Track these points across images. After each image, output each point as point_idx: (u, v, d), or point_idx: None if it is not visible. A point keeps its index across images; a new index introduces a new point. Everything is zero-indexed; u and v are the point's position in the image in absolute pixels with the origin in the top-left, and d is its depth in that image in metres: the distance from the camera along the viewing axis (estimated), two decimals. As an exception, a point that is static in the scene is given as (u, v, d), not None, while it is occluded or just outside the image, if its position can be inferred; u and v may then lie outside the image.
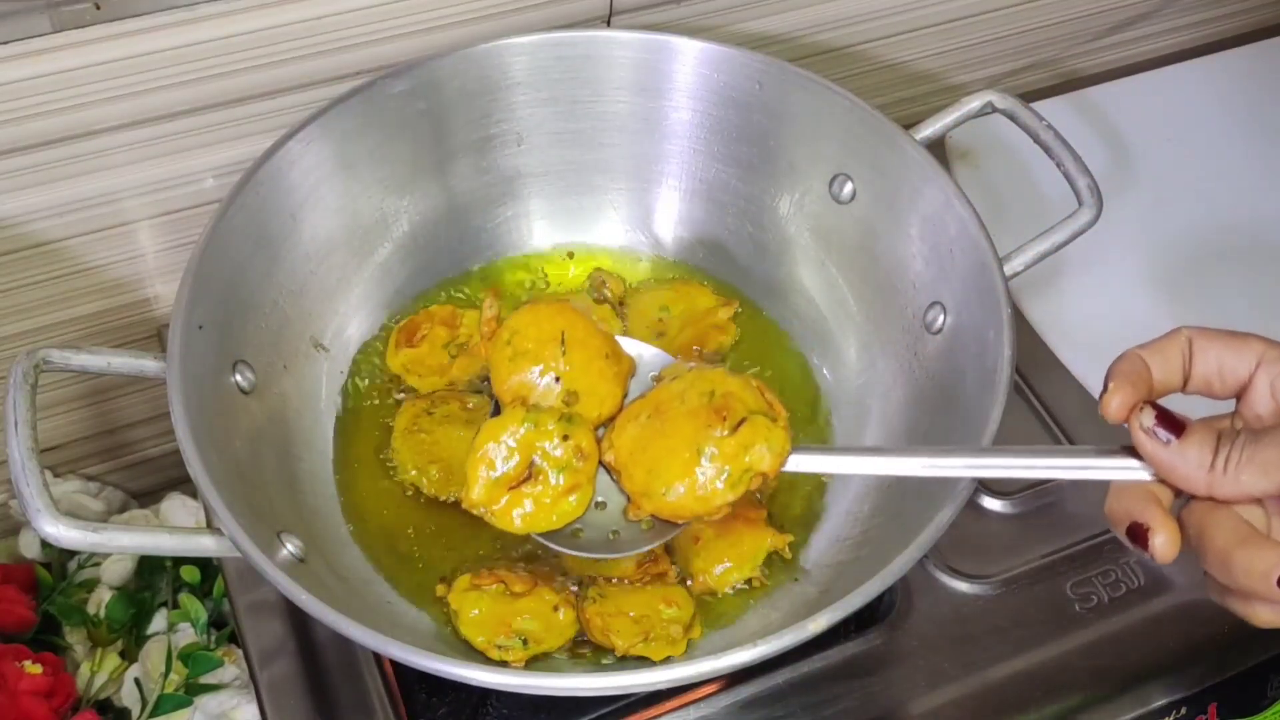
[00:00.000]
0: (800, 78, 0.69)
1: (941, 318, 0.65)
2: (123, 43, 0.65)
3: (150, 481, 0.91)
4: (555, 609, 0.60)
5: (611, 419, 0.59)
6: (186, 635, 0.78)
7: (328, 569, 0.59)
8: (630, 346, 0.61)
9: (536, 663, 0.59)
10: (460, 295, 0.74)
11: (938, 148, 0.81)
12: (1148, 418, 0.46)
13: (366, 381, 0.70)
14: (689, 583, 0.63)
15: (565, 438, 0.57)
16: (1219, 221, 0.87)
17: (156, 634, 0.79)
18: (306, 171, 0.66)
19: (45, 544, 0.83)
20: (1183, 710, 0.67)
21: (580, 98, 0.73)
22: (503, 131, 0.73)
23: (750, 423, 0.54)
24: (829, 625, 0.50)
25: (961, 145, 0.90)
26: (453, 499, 0.65)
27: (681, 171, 0.75)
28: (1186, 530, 0.45)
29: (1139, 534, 0.45)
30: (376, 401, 0.70)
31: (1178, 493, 0.46)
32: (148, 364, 0.57)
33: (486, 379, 0.70)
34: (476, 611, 0.59)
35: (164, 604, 0.80)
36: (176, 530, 0.55)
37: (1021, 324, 0.79)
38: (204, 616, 0.79)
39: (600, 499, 0.58)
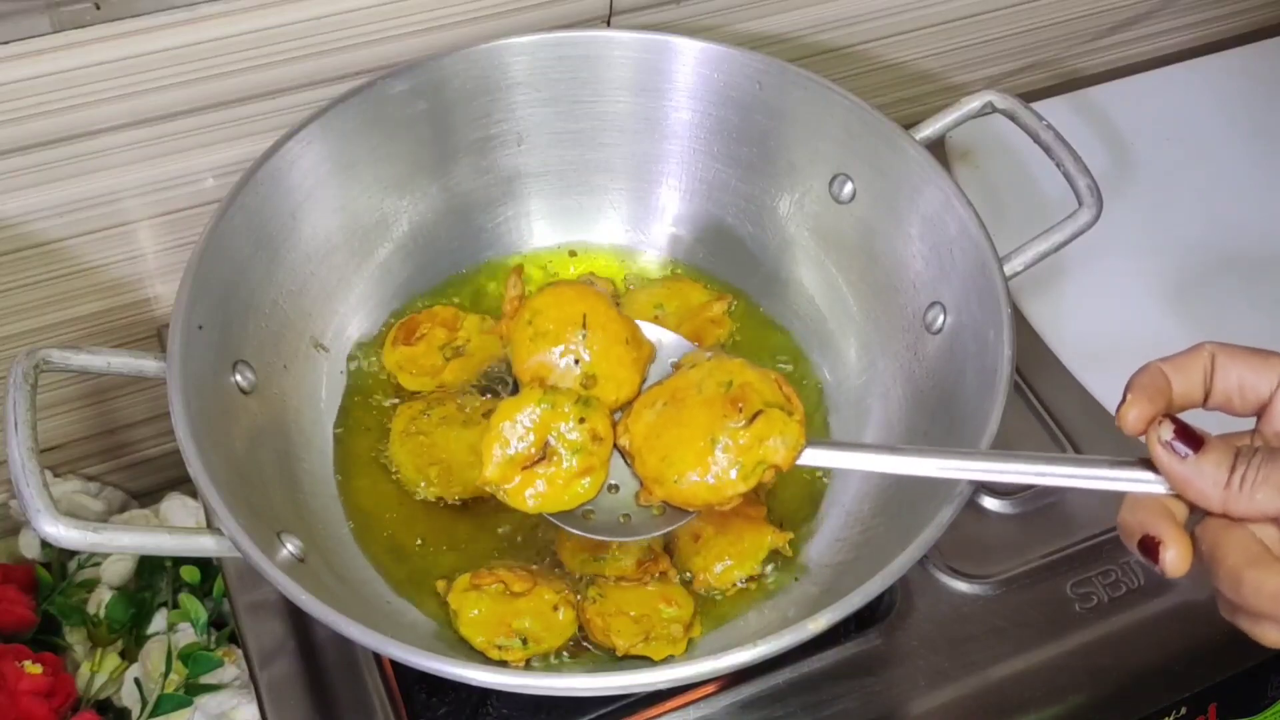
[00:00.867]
0: (800, 78, 0.69)
1: (941, 318, 0.65)
2: (123, 43, 0.65)
3: (150, 481, 0.91)
4: (555, 609, 0.60)
5: (629, 404, 0.59)
6: (186, 635, 0.78)
7: (328, 569, 0.59)
8: (651, 332, 0.62)
9: (536, 662, 0.59)
10: (455, 300, 0.74)
11: (938, 148, 0.81)
12: (1166, 431, 0.46)
13: (367, 381, 0.70)
14: (689, 581, 0.63)
15: (581, 420, 0.57)
16: (1219, 221, 0.88)
17: (156, 634, 0.79)
18: (306, 171, 0.66)
19: (45, 544, 0.83)
20: (1183, 710, 0.67)
21: (580, 98, 0.73)
22: (503, 131, 0.73)
23: (766, 415, 0.54)
24: (829, 625, 0.50)
25: (961, 145, 0.90)
26: (453, 500, 0.65)
27: (681, 171, 0.75)
28: (1199, 546, 0.45)
29: (1151, 547, 0.45)
30: (377, 402, 0.70)
31: (1192, 508, 0.46)
32: (148, 364, 0.57)
33: (477, 385, 0.70)
34: (476, 611, 0.59)
35: (164, 604, 0.80)
36: (176, 530, 0.55)
37: (1021, 324, 0.79)
38: (204, 616, 0.79)
39: (613, 482, 0.59)
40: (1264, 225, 0.87)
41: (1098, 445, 0.73)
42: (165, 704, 0.75)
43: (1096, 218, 0.67)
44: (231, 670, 0.77)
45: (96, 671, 0.78)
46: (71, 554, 0.83)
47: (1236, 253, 0.85)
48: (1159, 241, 0.86)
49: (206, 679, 0.76)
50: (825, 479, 0.67)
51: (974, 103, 0.70)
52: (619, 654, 0.59)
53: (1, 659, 0.73)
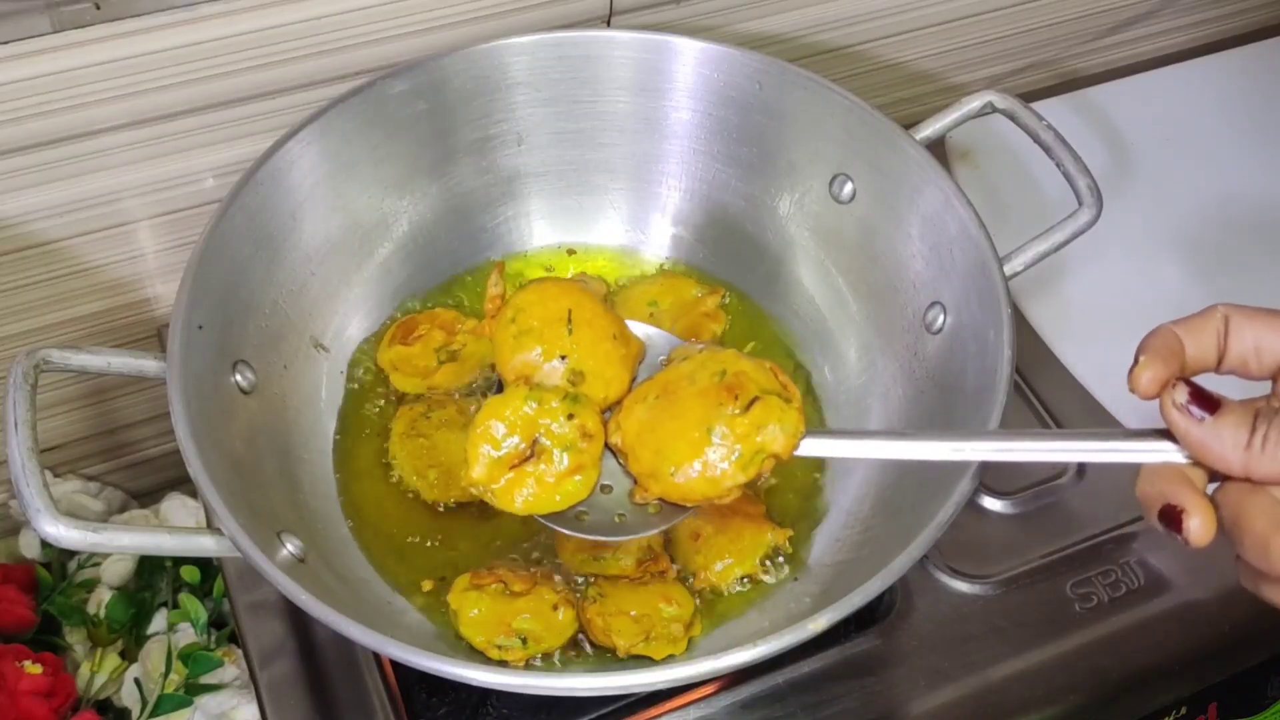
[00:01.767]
0: (800, 78, 0.69)
1: (941, 318, 0.65)
2: (123, 43, 0.65)
3: (150, 481, 0.91)
4: (555, 608, 0.60)
5: (618, 402, 0.58)
6: (186, 635, 0.78)
7: (328, 569, 0.59)
8: (638, 329, 0.61)
9: (537, 662, 0.59)
10: (452, 301, 0.74)
11: (938, 148, 0.81)
12: (1180, 394, 0.44)
13: (367, 381, 0.70)
14: (689, 580, 0.63)
15: (570, 417, 0.56)
16: (1219, 221, 0.87)
17: (156, 634, 0.79)
18: (306, 171, 0.66)
19: (45, 544, 0.83)
20: (1183, 710, 0.67)
21: (580, 98, 0.73)
22: (503, 131, 0.73)
23: (763, 402, 0.53)
24: (829, 625, 0.50)
25: (961, 145, 0.90)
26: (453, 503, 0.65)
27: (681, 171, 0.75)
28: (1221, 513, 0.43)
29: (1172, 517, 0.43)
30: (377, 402, 0.70)
31: (1212, 475, 0.44)
32: (148, 364, 0.57)
33: (469, 390, 0.70)
34: (476, 611, 0.59)
35: (164, 604, 0.80)
36: (176, 530, 0.55)
37: (1021, 324, 0.79)
38: (204, 616, 0.79)
39: (606, 482, 0.58)
40: (1264, 224, 0.87)
41: (1098, 445, 0.73)
42: (165, 704, 0.75)
43: (1096, 218, 0.66)
44: (231, 670, 0.77)
45: (96, 671, 0.78)
46: (71, 554, 0.83)
47: (1236, 252, 0.85)
48: (1159, 241, 0.86)
49: (206, 679, 0.76)
50: (824, 480, 0.67)
51: (974, 103, 0.70)
52: (620, 654, 0.59)
53: (1, 659, 0.73)
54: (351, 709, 0.62)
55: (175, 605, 0.80)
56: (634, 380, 0.59)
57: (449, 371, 0.70)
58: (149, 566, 0.82)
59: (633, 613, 0.60)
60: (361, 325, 0.72)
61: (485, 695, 0.64)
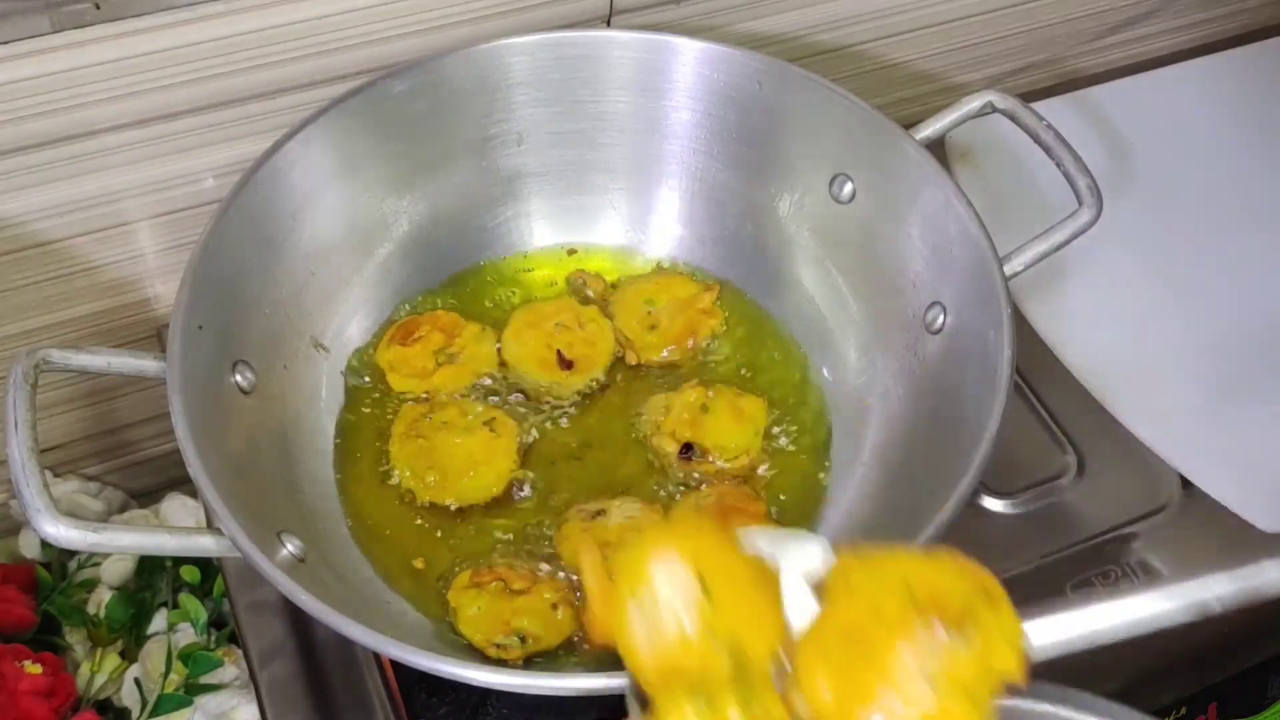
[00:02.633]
0: (800, 78, 0.69)
1: (941, 318, 0.65)
2: (123, 43, 0.65)
3: (150, 481, 0.91)
4: (554, 608, 0.60)
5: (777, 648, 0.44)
6: (186, 635, 0.78)
7: (328, 569, 0.59)
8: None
9: (537, 662, 0.59)
10: (454, 303, 0.74)
11: (938, 148, 0.81)
12: None
13: (367, 381, 0.70)
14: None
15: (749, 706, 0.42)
16: (1219, 221, 0.87)
17: (156, 634, 0.79)
18: (307, 171, 0.66)
19: (45, 544, 0.83)
20: (1183, 710, 0.67)
21: (580, 98, 0.73)
22: (503, 131, 0.73)
23: (973, 616, 0.43)
24: (829, 625, 0.50)
25: (961, 145, 0.90)
26: (450, 505, 0.65)
27: (681, 171, 0.75)
28: None
29: None
30: (377, 402, 0.70)
31: None
32: (148, 364, 0.57)
33: (466, 394, 0.70)
34: (476, 609, 0.59)
35: (164, 604, 0.80)
36: (176, 530, 0.55)
37: (1021, 324, 0.79)
38: (204, 616, 0.79)
39: None
40: (1264, 224, 0.87)
41: (1098, 445, 0.73)
42: (165, 704, 0.75)
43: (1096, 218, 0.67)
44: (231, 670, 0.77)
45: (96, 671, 0.78)
46: (71, 554, 0.83)
47: (1236, 252, 0.85)
48: (1159, 241, 0.86)
49: (206, 679, 0.76)
50: (825, 481, 0.67)
51: (974, 103, 0.70)
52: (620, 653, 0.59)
53: (1, 659, 0.73)
54: (351, 709, 0.62)
55: (175, 605, 0.80)
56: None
57: (447, 374, 0.70)
58: (149, 566, 0.82)
59: (633, 613, 0.60)
60: (361, 325, 0.72)
61: (485, 695, 0.64)
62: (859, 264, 0.71)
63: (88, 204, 0.72)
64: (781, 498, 0.67)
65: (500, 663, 0.58)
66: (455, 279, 0.75)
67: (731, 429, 0.68)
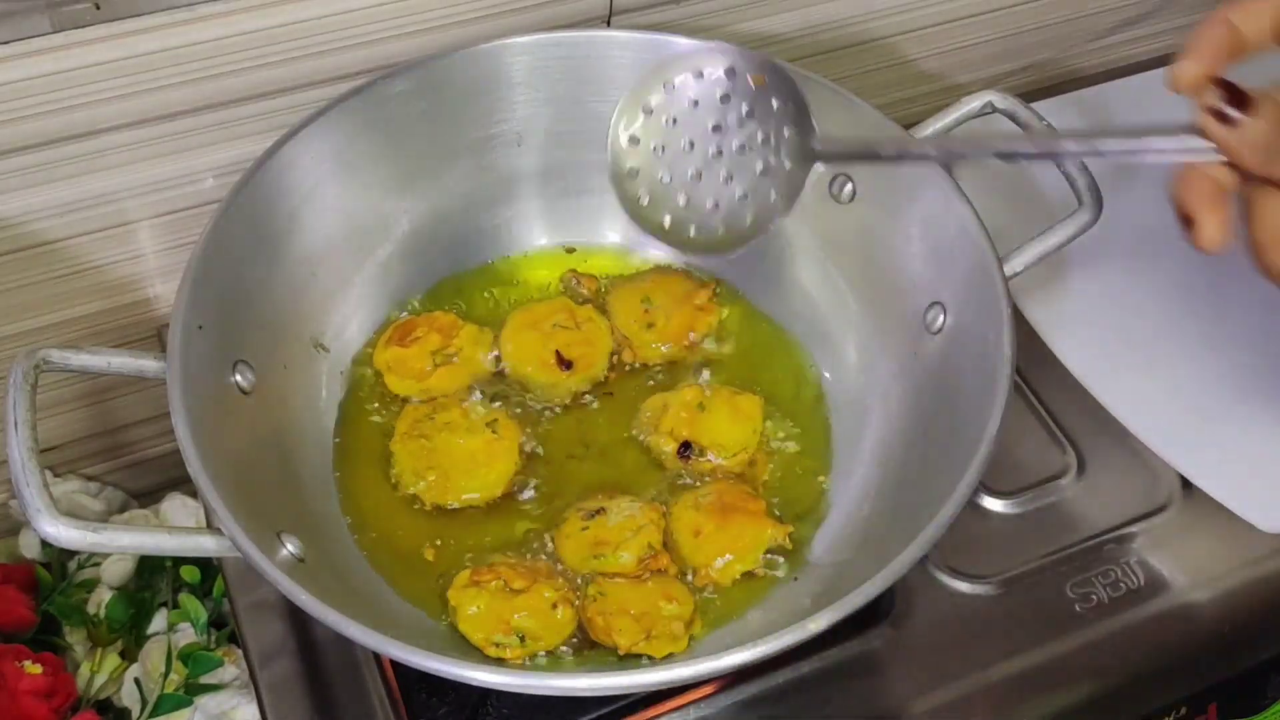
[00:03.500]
0: (800, 78, 0.69)
1: (941, 318, 0.65)
2: (123, 43, 0.65)
3: (150, 481, 0.91)
4: (554, 607, 0.60)
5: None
6: (186, 635, 0.78)
7: (328, 569, 0.59)
8: None
9: (536, 662, 0.59)
10: (456, 303, 0.74)
11: (938, 148, 0.81)
12: (1212, 96, 0.44)
13: (367, 381, 0.70)
14: (690, 577, 0.63)
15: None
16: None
17: (156, 634, 0.79)
18: (306, 172, 0.66)
19: (45, 544, 0.83)
20: (1183, 710, 0.67)
21: (580, 98, 0.73)
22: (503, 131, 0.73)
23: None
24: (829, 625, 0.50)
25: (961, 145, 0.90)
26: (450, 506, 0.65)
27: (681, 171, 0.75)
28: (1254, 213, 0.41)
29: (1188, 223, 0.43)
30: (377, 403, 0.70)
31: (1244, 178, 0.44)
32: (148, 364, 0.57)
33: (464, 396, 0.70)
34: (475, 608, 0.59)
35: (164, 604, 0.80)
36: (176, 530, 0.55)
37: (1021, 324, 0.79)
38: (204, 616, 0.79)
39: None
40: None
41: (1098, 445, 0.73)
42: (165, 704, 0.75)
43: (1096, 218, 0.67)
44: (231, 670, 0.77)
45: (96, 671, 0.78)
46: (71, 554, 0.83)
47: (1236, 252, 0.85)
48: (1159, 241, 0.85)
49: (206, 679, 0.76)
50: (825, 482, 0.67)
51: (974, 103, 0.70)
52: (621, 652, 0.59)
53: (1, 659, 0.73)
54: (351, 709, 0.62)
55: (175, 605, 0.80)
56: None
57: (444, 375, 0.70)
58: (149, 566, 0.82)
59: (633, 611, 0.60)
60: (361, 325, 0.72)
61: (485, 695, 0.64)
62: (859, 264, 0.71)
63: (88, 204, 0.72)
64: (781, 498, 0.66)
65: (500, 662, 0.58)
66: (456, 279, 0.75)
67: (729, 427, 0.68)
